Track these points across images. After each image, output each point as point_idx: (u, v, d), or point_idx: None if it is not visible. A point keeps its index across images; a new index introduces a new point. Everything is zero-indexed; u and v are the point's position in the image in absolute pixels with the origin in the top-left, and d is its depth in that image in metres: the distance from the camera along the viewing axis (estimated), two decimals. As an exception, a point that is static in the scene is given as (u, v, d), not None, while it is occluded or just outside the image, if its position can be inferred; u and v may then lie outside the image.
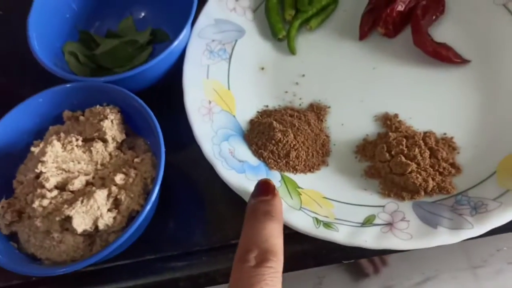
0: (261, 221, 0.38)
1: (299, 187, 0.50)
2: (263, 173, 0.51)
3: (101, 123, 0.49)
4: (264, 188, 0.41)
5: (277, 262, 0.35)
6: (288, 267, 0.48)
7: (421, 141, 0.50)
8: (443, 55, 0.55)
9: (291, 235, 0.47)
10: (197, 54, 0.57)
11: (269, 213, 0.38)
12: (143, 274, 0.50)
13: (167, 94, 0.58)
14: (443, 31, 0.58)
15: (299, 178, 0.51)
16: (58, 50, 0.60)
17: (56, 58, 0.58)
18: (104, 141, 0.49)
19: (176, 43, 0.53)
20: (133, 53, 0.62)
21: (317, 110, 0.55)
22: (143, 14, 0.66)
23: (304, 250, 0.49)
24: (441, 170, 0.49)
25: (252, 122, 0.55)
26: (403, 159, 0.49)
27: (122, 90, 0.50)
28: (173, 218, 0.53)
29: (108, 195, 0.46)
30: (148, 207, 0.44)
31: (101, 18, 0.65)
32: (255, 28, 0.61)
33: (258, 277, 0.33)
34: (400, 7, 0.57)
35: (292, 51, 0.59)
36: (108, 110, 0.50)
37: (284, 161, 0.51)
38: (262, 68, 0.59)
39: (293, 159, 0.51)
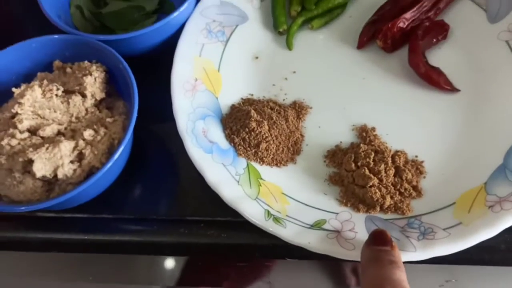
0: (389, 268, 0.36)
1: (261, 178, 0.51)
2: (230, 158, 0.51)
3: (84, 78, 0.50)
4: (382, 238, 0.40)
5: None
6: (235, 254, 0.50)
7: (389, 158, 0.50)
8: (434, 80, 0.54)
9: (241, 223, 0.48)
10: (195, 31, 0.58)
11: (395, 263, 0.36)
12: (95, 230, 0.51)
13: (160, 65, 0.59)
14: (440, 56, 0.58)
15: (263, 170, 0.52)
16: (66, 2, 0.61)
17: (61, 10, 0.59)
18: (84, 96, 0.51)
19: (175, 14, 0.54)
20: (138, 18, 0.63)
21: (299, 109, 0.56)
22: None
23: (252, 241, 0.49)
24: (402, 190, 0.49)
25: (232, 107, 0.56)
26: (367, 172, 0.49)
27: (111, 50, 0.52)
28: (138, 183, 0.54)
29: (74, 148, 0.47)
30: (108, 166, 0.45)
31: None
32: (258, 17, 0.61)
33: None
34: (402, 24, 0.57)
35: (289, 46, 0.60)
36: (94, 67, 0.52)
37: (253, 151, 0.52)
38: (256, 57, 0.60)
39: (262, 151, 0.52)
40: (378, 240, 0.40)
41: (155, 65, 0.59)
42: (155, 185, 0.54)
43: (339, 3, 0.61)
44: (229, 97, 0.57)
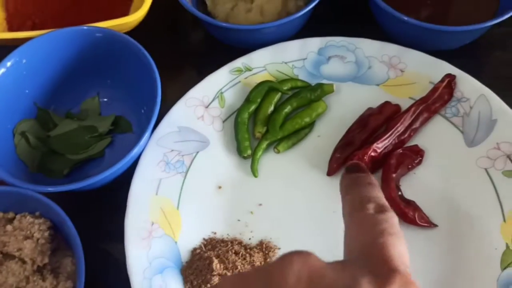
0: (368, 188, 0.34)
1: None
2: (190, 321, 0.47)
3: (25, 242, 0.45)
4: (357, 167, 0.38)
5: (394, 217, 0.31)
6: None
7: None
8: (409, 217, 0.50)
9: None
10: (151, 165, 0.53)
11: (373, 184, 0.35)
12: None
13: (113, 201, 0.54)
14: (416, 182, 0.54)
15: (228, 331, 0.47)
16: (9, 132, 0.56)
17: (4, 141, 0.54)
18: (24, 262, 0.45)
19: (132, 153, 0.50)
20: (90, 140, 0.58)
21: (266, 250, 0.51)
22: (108, 98, 0.62)
23: None
24: None
25: (194, 252, 0.51)
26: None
27: (53, 206, 0.47)
28: None
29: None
30: None
31: (64, 95, 0.60)
32: (220, 140, 0.57)
33: (383, 223, 0.30)
34: (374, 153, 0.53)
35: (254, 173, 0.55)
36: (36, 227, 0.46)
37: (216, 309, 0.47)
38: (219, 187, 0.55)
39: (227, 309, 0.47)
40: (354, 169, 0.38)
41: (109, 201, 0.54)
42: None
43: (306, 123, 0.57)
44: (190, 239, 0.52)
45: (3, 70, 0.53)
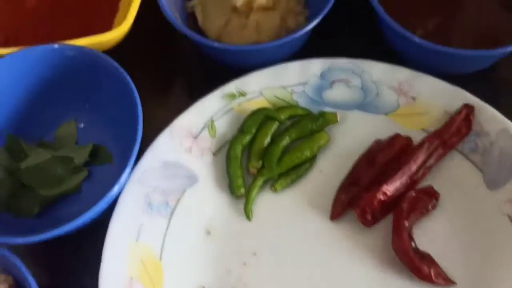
0: None
1: None
2: None
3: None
4: None
5: None
6: None
7: None
8: (424, 274, 0.44)
9: None
10: (131, 207, 0.47)
11: None
12: None
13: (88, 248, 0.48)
14: (430, 230, 0.48)
15: None
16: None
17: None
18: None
19: (110, 194, 0.44)
20: (63, 174, 0.52)
21: (261, 308, 0.45)
22: (85, 123, 0.55)
23: None
24: None
25: (178, 311, 0.45)
26: None
27: (17, 263, 0.41)
28: None
29: None
30: None
31: (37, 121, 0.54)
32: (211, 176, 0.51)
33: None
34: (383, 197, 0.47)
35: (248, 216, 0.49)
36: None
37: None
38: (208, 232, 0.49)
39: None
40: None
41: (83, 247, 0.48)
42: None
43: (306, 157, 0.51)
44: (174, 294, 0.46)
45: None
